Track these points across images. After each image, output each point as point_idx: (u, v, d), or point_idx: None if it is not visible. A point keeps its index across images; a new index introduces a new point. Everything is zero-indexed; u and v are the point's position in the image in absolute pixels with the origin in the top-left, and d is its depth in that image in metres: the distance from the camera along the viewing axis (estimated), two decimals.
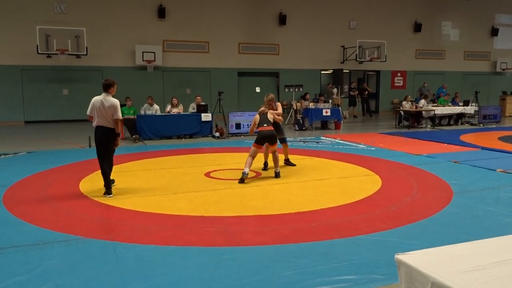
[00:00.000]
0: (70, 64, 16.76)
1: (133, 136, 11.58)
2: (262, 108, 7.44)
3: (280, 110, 7.69)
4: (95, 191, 6.17)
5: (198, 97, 13.01)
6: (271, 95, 7.73)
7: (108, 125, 5.91)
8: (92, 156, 9.01)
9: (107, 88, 6.02)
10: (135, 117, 11.83)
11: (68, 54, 15.83)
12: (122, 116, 11.52)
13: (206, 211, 5.23)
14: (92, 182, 6.75)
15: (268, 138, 7.08)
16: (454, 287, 1.80)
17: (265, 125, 7.15)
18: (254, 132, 7.40)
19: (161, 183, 6.72)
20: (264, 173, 7.41)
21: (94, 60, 17.08)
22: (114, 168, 7.81)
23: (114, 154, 6.24)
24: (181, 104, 12.82)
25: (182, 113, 12.56)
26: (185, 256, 3.89)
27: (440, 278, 1.86)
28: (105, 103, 5.89)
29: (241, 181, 6.62)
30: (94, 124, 5.93)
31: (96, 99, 5.99)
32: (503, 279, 1.84)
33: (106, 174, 5.93)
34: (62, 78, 17.08)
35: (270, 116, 7.29)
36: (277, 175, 7.06)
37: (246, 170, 6.72)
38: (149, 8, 17.86)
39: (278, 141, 7.37)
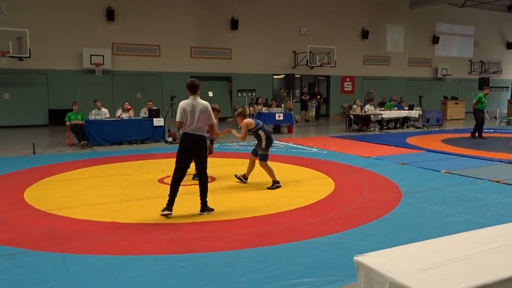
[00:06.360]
0: (11, 67, 15.93)
1: (81, 142, 11.15)
2: None
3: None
4: (41, 200, 5.86)
5: (150, 102, 12.76)
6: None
7: (197, 132, 5.16)
8: (38, 163, 8.60)
9: (195, 89, 5.22)
10: (83, 122, 11.40)
11: (10, 57, 15.04)
12: (69, 121, 11.37)
13: (161, 218, 5.11)
14: (38, 191, 6.41)
15: None
16: (411, 285, 1.85)
17: None
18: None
19: (113, 191, 6.49)
20: (218, 178, 7.35)
21: (38, 63, 16.34)
22: (63, 176, 7.55)
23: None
24: (131, 109, 12.50)
25: (133, 118, 12.25)
26: (139, 266, 3.77)
27: (397, 277, 1.92)
28: (197, 107, 5.14)
29: None
30: (183, 131, 5.22)
31: (186, 102, 5.19)
32: (457, 276, 1.92)
33: (175, 189, 5.23)
34: (3, 81, 16.17)
35: None
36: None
37: None
38: (97, 10, 17.32)
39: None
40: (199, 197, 5.34)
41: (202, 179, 5.34)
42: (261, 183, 6.96)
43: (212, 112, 5.28)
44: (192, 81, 5.28)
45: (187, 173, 5.51)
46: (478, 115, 12.77)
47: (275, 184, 6.66)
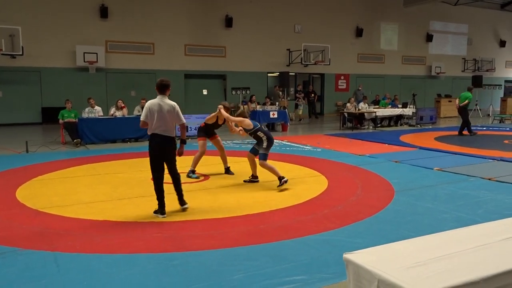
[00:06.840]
0: (4, 65, 15.82)
1: (74, 141, 11.10)
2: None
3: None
4: (33, 198, 5.83)
5: (143, 100, 12.71)
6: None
7: (166, 133, 5.08)
8: (30, 162, 8.55)
9: (164, 89, 5.12)
10: (76, 120, 11.35)
11: (2, 54, 14.92)
12: (62, 119, 11.32)
13: (153, 216, 5.10)
14: (30, 190, 6.38)
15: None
16: (398, 283, 1.87)
17: None
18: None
19: (106, 189, 6.47)
20: (212, 177, 7.35)
21: (31, 61, 16.22)
22: (55, 174, 7.51)
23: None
24: (125, 107, 12.46)
25: (127, 116, 12.21)
26: (132, 264, 3.76)
27: (385, 275, 1.93)
28: (164, 107, 5.04)
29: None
30: (150, 131, 5.11)
31: (152, 102, 5.08)
32: (445, 273, 1.94)
33: (160, 191, 5.15)
34: None
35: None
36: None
37: None
38: (91, 7, 17.22)
39: None
40: (176, 194, 5.34)
41: (174, 178, 5.32)
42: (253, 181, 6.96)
43: (180, 112, 5.17)
44: (161, 81, 5.16)
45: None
46: (466, 113, 13.20)
47: (282, 180, 6.43)
